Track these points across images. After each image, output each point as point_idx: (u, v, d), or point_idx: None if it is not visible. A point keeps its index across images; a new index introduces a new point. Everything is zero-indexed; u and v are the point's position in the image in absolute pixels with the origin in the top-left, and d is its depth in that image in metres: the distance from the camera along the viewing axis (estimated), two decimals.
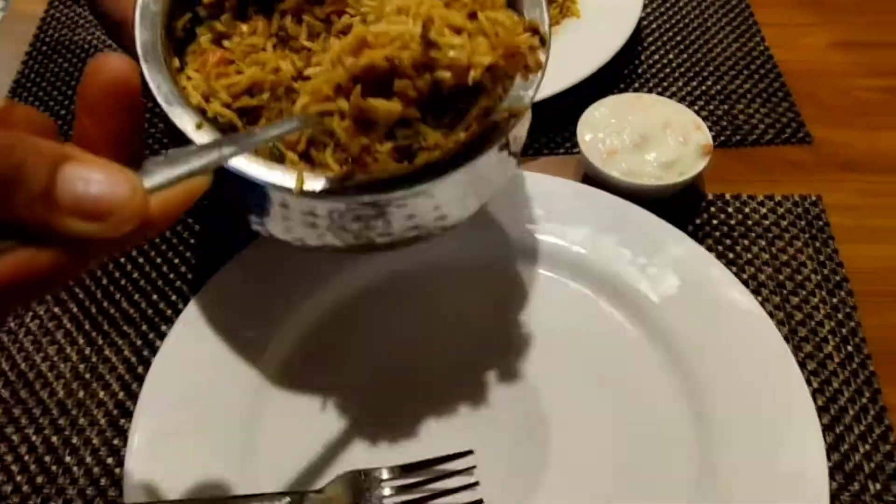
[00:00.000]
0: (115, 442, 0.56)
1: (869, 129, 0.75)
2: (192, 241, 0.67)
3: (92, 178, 0.27)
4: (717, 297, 0.59)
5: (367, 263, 0.61)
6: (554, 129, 0.74)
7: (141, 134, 0.34)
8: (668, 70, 0.80)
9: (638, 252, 0.61)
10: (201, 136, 0.44)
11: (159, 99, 0.45)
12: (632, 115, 0.68)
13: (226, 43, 0.48)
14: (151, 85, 0.45)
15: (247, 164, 0.43)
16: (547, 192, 0.65)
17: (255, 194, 0.45)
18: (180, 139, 0.44)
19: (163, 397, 0.54)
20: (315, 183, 0.43)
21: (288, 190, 0.43)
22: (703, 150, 0.66)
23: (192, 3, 0.49)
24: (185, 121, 0.44)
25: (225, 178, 0.43)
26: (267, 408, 0.56)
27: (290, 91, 0.46)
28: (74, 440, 0.57)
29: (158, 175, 0.30)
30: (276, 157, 0.44)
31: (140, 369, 0.59)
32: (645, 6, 0.84)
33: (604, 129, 0.67)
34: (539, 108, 0.70)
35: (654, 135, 0.66)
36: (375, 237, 0.47)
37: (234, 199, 0.49)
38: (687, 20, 0.85)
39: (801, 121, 0.75)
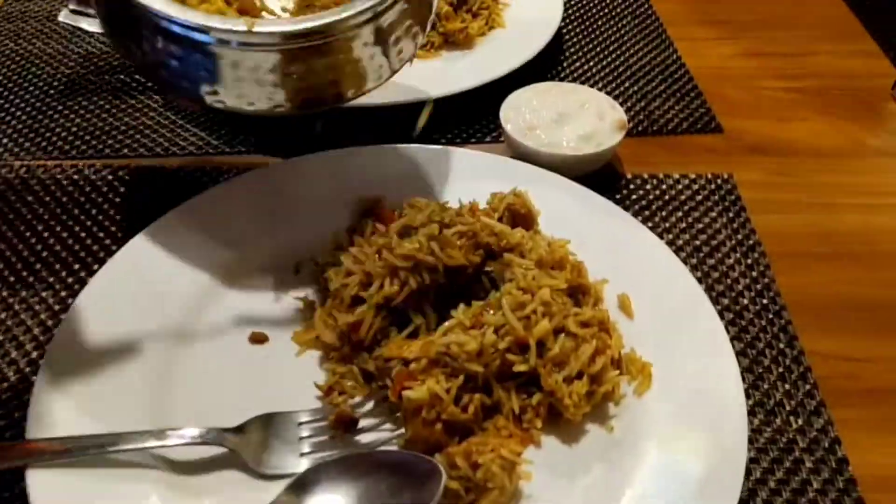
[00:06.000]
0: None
1: (775, 119, 0.80)
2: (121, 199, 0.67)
3: None
4: (637, 249, 0.61)
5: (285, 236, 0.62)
6: (480, 120, 0.77)
7: None
8: (588, 74, 0.85)
9: (564, 206, 0.63)
10: None
11: None
12: (551, 97, 0.71)
13: None
14: None
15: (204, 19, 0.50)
16: (474, 165, 0.67)
17: (208, 60, 0.51)
18: None
19: (78, 339, 0.53)
20: (263, 25, 0.50)
21: (240, 33, 0.49)
22: (619, 125, 0.69)
23: None
24: None
25: (182, 54, 0.51)
26: (184, 351, 0.55)
27: None
28: None
29: None
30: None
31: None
32: (564, 20, 0.90)
33: (526, 109, 0.70)
34: (464, 99, 0.75)
35: (573, 112, 0.70)
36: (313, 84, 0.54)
37: (189, 74, 0.53)
38: (607, 34, 0.90)
39: (713, 114, 0.80)
